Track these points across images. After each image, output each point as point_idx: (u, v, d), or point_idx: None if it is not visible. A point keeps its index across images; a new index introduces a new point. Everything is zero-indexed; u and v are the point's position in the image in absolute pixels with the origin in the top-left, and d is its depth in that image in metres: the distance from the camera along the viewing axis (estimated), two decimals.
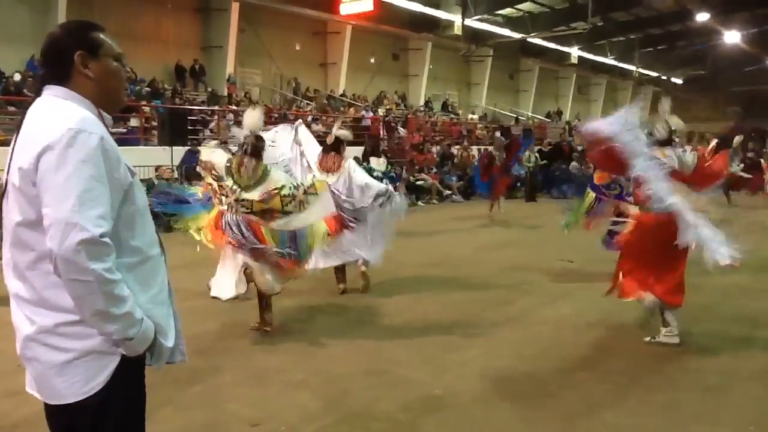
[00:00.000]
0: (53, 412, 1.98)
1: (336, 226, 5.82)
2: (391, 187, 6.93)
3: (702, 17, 28.66)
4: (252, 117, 5.78)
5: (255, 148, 5.52)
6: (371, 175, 7.24)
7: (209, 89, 20.42)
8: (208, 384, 4.37)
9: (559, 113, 36.95)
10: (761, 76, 40.56)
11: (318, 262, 6.48)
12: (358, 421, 3.88)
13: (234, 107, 19.67)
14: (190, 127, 16.06)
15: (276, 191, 5.39)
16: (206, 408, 4.02)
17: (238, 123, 19.36)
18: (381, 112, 24.15)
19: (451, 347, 5.20)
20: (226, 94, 20.58)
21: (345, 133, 7.27)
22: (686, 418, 3.91)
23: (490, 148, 13.82)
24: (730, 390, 4.34)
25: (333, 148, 6.93)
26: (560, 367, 4.76)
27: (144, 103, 16.89)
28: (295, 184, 5.56)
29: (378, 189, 6.72)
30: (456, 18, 26.38)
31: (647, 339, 5.29)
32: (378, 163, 11.20)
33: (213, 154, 5.78)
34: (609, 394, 4.26)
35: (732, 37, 32.21)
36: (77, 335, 1.89)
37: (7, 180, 1.93)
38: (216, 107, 18.94)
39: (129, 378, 1.98)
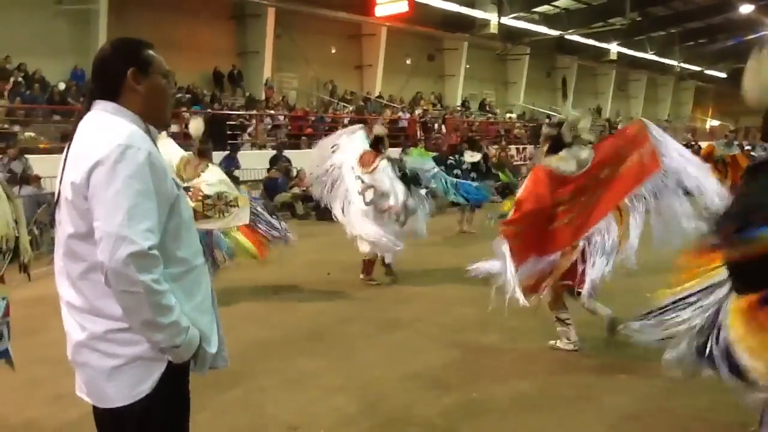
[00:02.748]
0: (102, 416, 2.06)
1: (255, 240, 6.69)
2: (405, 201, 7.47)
3: (745, 9, 27.96)
4: (195, 127, 7.32)
5: (199, 150, 6.89)
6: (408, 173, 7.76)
7: (247, 94, 20.68)
8: (247, 388, 4.42)
9: (599, 110, 36.44)
10: None
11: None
12: (395, 425, 3.89)
13: (272, 111, 19.90)
14: (228, 132, 16.29)
15: (201, 195, 6.37)
16: (246, 412, 4.08)
17: (276, 127, 19.65)
18: (417, 112, 24.15)
19: (488, 351, 5.17)
20: (263, 98, 20.82)
21: (381, 129, 8.13)
22: (730, 421, 3.83)
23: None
24: None
25: (372, 146, 7.61)
26: (600, 370, 4.69)
27: (184, 109, 17.19)
28: (219, 193, 6.50)
29: (394, 204, 7.34)
30: (491, 17, 26.22)
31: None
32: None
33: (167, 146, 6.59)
34: (651, 397, 4.19)
35: None
36: (126, 342, 1.97)
37: (59, 192, 2.02)
38: (254, 112, 19.17)
39: (174, 383, 2.05)
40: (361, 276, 7.63)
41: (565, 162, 4.84)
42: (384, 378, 4.61)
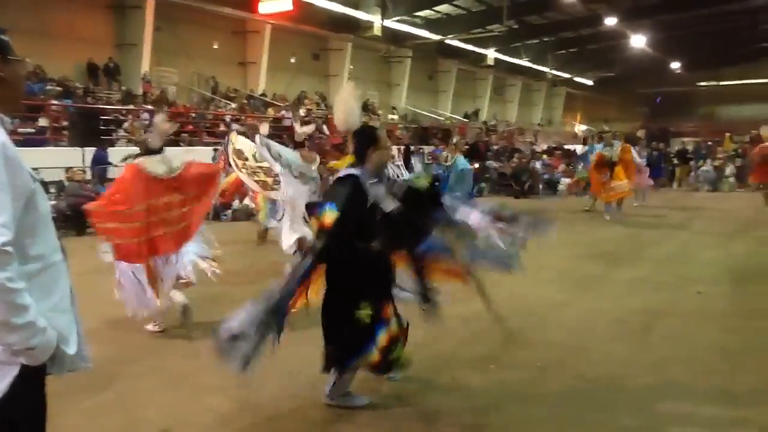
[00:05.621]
0: None
1: None
2: None
3: (610, 21, 29.88)
4: (264, 127, 8.21)
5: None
6: None
7: (123, 88, 19.88)
8: (120, 390, 4.30)
9: (477, 113, 37.75)
10: (665, 79, 42.82)
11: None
12: (272, 423, 3.91)
13: (149, 107, 19.24)
14: (102, 127, 15.62)
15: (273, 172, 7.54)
16: (116, 415, 3.96)
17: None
18: (301, 112, 24.07)
19: None
20: (141, 93, 20.08)
21: (311, 129, 9.12)
22: (589, 406, 4.13)
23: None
24: (628, 379, 4.60)
25: (300, 145, 8.14)
26: (473, 361, 4.91)
27: (54, 102, 16.30)
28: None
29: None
30: (375, 19, 26.57)
31: None
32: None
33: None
34: (520, 385, 4.44)
35: (638, 41, 33.70)
36: None
37: None
38: (131, 106, 18.48)
39: (29, 387, 1.97)
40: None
41: (155, 165, 5.63)
42: (262, 376, 4.57)
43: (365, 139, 3.98)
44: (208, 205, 6.26)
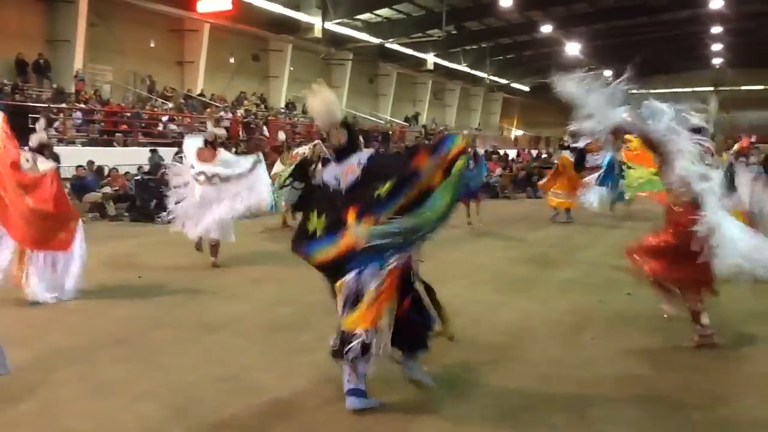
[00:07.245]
0: None
1: None
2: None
3: (546, 29, 30.63)
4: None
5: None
6: None
7: (54, 85, 19.26)
8: (44, 400, 4.14)
9: (416, 117, 38.06)
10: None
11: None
12: (205, 429, 3.84)
13: (82, 105, 18.72)
14: (32, 126, 15.05)
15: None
16: (39, 425, 3.81)
17: (88, 122, 18.56)
18: (240, 113, 23.82)
19: (303, 350, 5.20)
20: (73, 91, 19.50)
21: (221, 132, 9.46)
22: (522, 405, 4.19)
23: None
24: (559, 379, 4.71)
25: (210, 144, 8.51)
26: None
27: None
28: None
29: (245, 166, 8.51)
30: (316, 21, 26.52)
31: None
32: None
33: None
34: (453, 385, 4.48)
35: (572, 49, 34.59)
36: None
37: None
38: (63, 105, 17.93)
39: None
40: (213, 260, 8.44)
41: (23, 161, 6.43)
42: (196, 382, 4.53)
43: (354, 128, 4.48)
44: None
